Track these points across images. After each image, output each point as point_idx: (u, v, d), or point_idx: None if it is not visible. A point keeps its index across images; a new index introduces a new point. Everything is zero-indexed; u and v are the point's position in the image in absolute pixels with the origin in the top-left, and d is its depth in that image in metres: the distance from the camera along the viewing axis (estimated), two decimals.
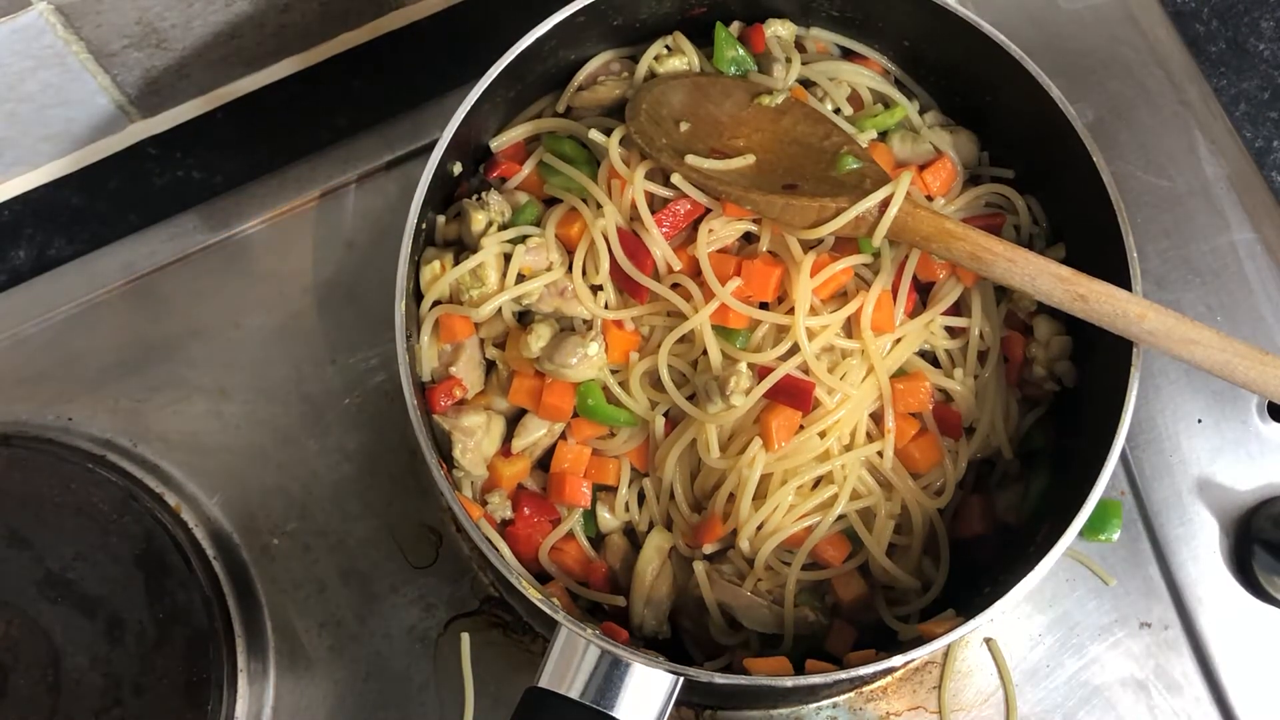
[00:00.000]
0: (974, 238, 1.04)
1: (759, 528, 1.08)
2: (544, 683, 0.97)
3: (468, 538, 1.05)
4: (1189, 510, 1.24)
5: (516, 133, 1.18)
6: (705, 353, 1.09)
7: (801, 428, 1.08)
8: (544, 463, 1.14)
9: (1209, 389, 1.27)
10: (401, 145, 1.32)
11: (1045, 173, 1.15)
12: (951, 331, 1.14)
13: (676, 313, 1.10)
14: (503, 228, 1.12)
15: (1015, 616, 1.22)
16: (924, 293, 1.14)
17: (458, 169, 1.15)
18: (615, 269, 1.10)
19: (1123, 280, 1.03)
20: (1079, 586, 1.23)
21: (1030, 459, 1.14)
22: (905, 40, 1.18)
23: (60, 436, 1.24)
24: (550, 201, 1.16)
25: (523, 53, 1.09)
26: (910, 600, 1.11)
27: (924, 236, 1.05)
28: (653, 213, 1.09)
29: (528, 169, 1.16)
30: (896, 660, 1.00)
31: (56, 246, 1.33)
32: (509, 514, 1.12)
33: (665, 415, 1.12)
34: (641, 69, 1.17)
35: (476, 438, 1.11)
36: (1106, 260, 1.05)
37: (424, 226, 1.10)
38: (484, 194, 1.14)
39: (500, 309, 1.11)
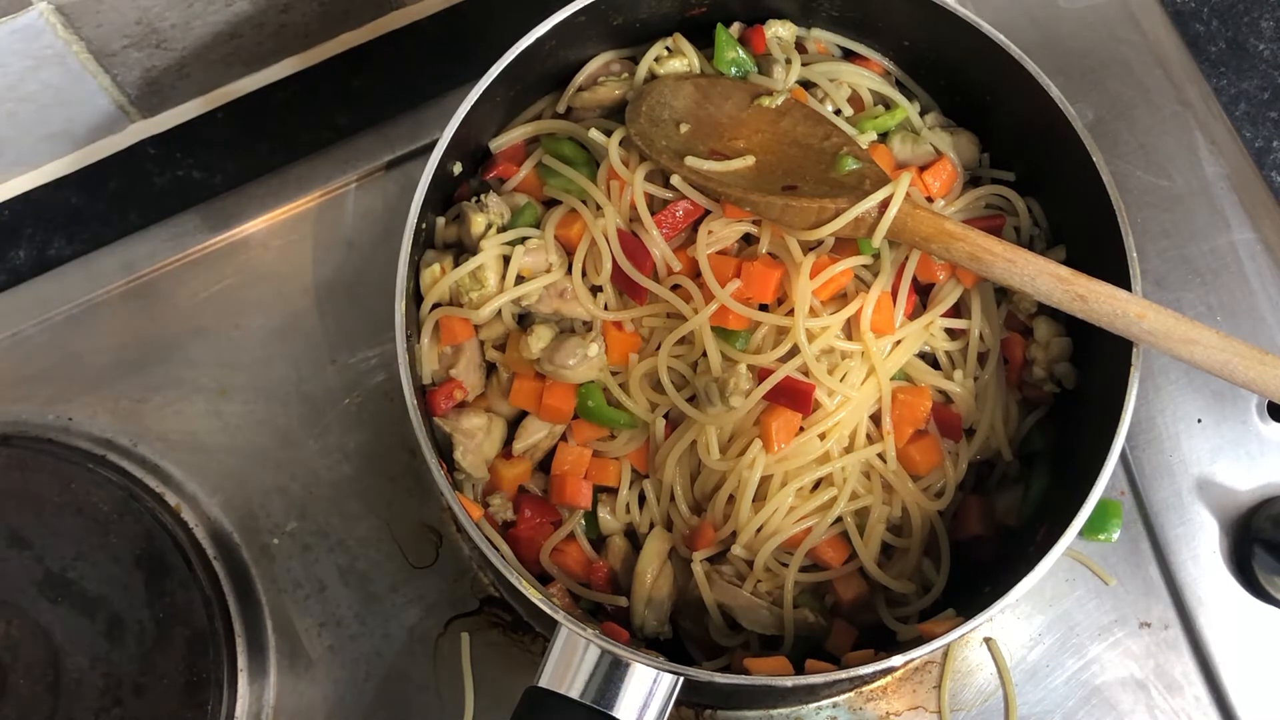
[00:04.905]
0: (973, 238, 1.04)
1: (758, 530, 1.08)
2: (544, 682, 0.97)
3: (468, 538, 1.05)
4: (1189, 510, 1.24)
5: (516, 134, 1.18)
6: (705, 354, 1.09)
7: (801, 430, 1.08)
8: (545, 465, 1.14)
9: (1209, 389, 1.27)
10: (401, 145, 1.32)
11: (1045, 173, 1.15)
12: (951, 333, 1.13)
13: (676, 314, 1.10)
14: (502, 230, 1.12)
15: (1015, 616, 1.23)
16: (924, 294, 1.14)
17: (458, 169, 1.15)
18: (615, 270, 1.10)
19: (1123, 280, 1.03)
20: (1079, 586, 1.23)
21: (1030, 460, 1.14)
22: (905, 41, 1.18)
23: (60, 436, 1.24)
24: (549, 203, 1.16)
25: (523, 53, 1.09)
26: (910, 601, 1.11)
27: (924, 237, 1.05)
28: (652, 214, 1.09)
29: (525, 170, 1.16)
30: (896, 660, 1.00)
31: (56, 246, 1.33)
32: (510, 516, 1.12)
33: (665, 417, 1.12)
34: (642, 70, 1.16)
35: (477, 440, 1.11)
36: (1106, 260, 1.05)
37: (424, 227, 1.10)
38: (483, 196, 1.14)
39: (500, 311, 1.11)
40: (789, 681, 1.01)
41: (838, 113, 1.17)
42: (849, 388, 1.08)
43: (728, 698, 1.20)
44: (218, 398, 1.27)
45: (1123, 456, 1.24)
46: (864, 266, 1.11)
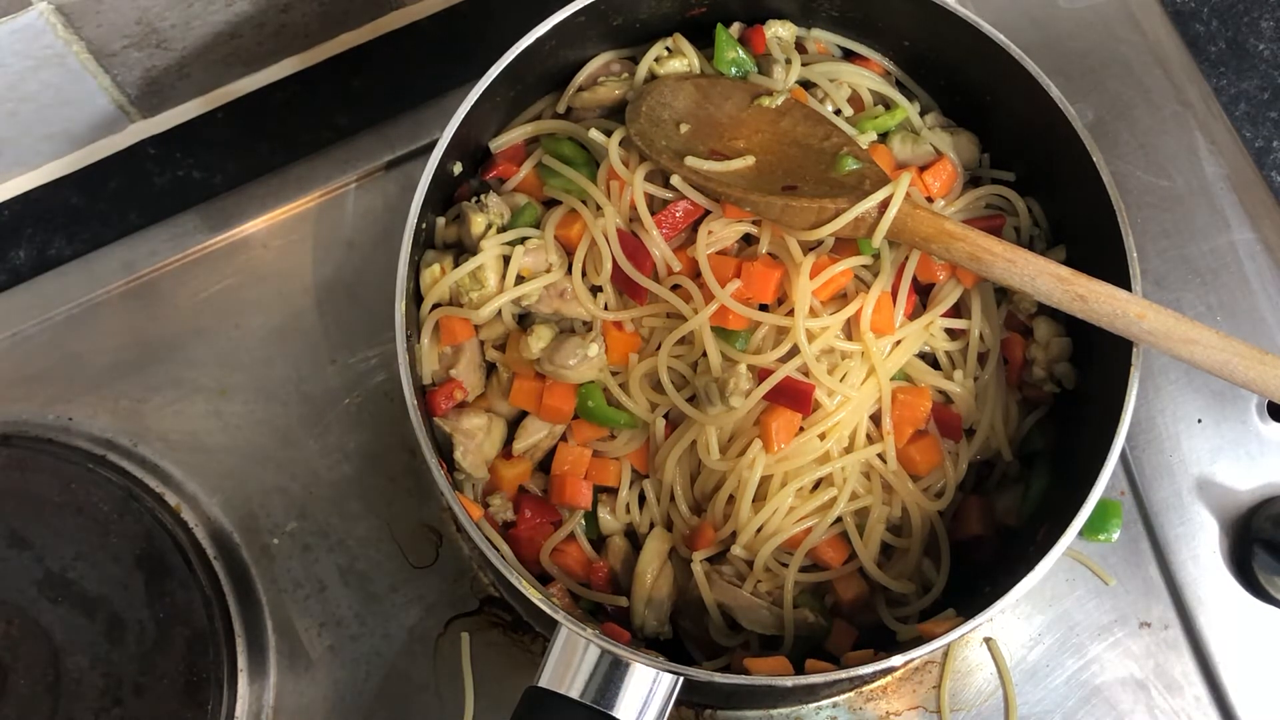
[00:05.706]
0: (973, 238, 1.04)
1: (759, 530, 1.08)
2: (544, 682, 0.97)
3: (468, 538, 1.05)
4: (1189, 510, 1.24)
5: (516, 134, 1.18)
6: (705, 354, 1.09)
7: (801, 430, 1.08)
8: (545, 465, 1.14)
9: (1209, 389, 1.27)
10: (401, 145, 1.32)
11: (1045, 173, 1.15)
12: (951, 333, 1.13)
13: (676, 314, 1.10)
14: (502, 230, 1.13)
15: (1015, 616, 1.22)
16: (924, 294, 1.14)
17: (458, 169, 1.15)
18: (615, 270, 1.10)
19: (1123, 280, 1.03)
20: (1079, 586, 1.23)
21: (1030, 460, 1.14)
22: (906, 41, 1.18)
23: (60, 436, 1.24)
24: (549, 203, 1.16)
25: (523, 53, 1.09)
26: (910, 601, 1.11)
27: (923, 237, 1.05)
28: (652, 214, 1.09)
29: (525, 170, 1.16)
30: (896, 660, 1.00)
31: (56, 246, 1.33)
32: (510, 516, 1.12)
33: (665, 417, 1.12)
34: (642, 71, 1.16)
35: (477, 440, 1.11)
36: (1106, 260, 1.05)
37: (424, 227, 1.10)
38: (483, 196, 1.14)
39: (500, 311, 1.11)
40: (789, 681, 1.01)
41: (838, 113, 1.17)
42: (849, 388, 1.08)
43: (728, 698, 1.20)
44: (218, 398, 1.27)
45: (1123, 456, 1.24)
46: (864, 267, 1.11)
